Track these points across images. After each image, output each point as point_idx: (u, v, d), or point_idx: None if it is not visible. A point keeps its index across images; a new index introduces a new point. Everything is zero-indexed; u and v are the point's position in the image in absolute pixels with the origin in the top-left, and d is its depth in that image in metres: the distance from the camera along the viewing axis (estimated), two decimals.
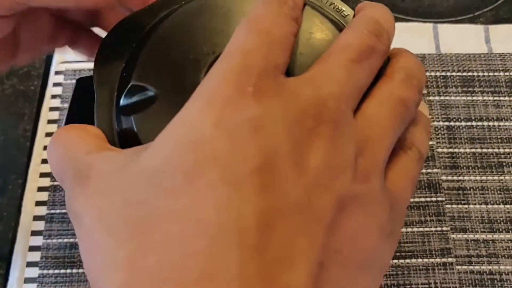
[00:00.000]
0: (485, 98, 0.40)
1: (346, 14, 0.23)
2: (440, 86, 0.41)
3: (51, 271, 0.34)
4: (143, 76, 0.21)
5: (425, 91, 0.40)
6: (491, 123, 0.39)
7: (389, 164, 0.20)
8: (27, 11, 0.23)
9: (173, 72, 0.21)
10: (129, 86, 0.21)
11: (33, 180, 0.37)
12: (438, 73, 0.41)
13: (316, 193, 0.16)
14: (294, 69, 0.20)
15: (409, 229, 0.35)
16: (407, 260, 0.34)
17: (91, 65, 0.27)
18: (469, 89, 0.40)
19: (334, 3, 0.23)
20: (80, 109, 0.23)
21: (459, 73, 0.41)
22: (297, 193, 0.15)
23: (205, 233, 0.14)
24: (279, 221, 0.15)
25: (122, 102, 0.21)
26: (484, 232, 0.35)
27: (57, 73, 0.41)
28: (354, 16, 0.23)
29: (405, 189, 0.20)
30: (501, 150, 0.38)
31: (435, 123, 0.39)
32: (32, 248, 0.35)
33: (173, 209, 0.15)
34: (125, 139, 0.21)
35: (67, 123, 0.23)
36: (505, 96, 0.40)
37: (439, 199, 0.36)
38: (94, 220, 0.16)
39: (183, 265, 0.14)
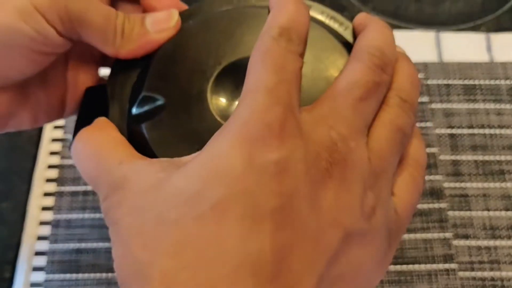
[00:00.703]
0: (487, 106, 0.40)
1: (346, 27, 0.24)
2: (442, 94, 0.41)
3: (56, 276, 0.34)
4: (153, 87, 0.22)
5: (427, 99, 0.41)
6: (492, 131, 0.39)
7: (394, 189, 0.21)
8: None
9: (181, 82, 0.22)
10: (140, 97, 0.22)
11: (39, 186, 0.38)
12: (440, 81, 0.41)
13: (326, 230, 0.17)
14: None
15: (412, 236, 0.36)
16: (410, 266, 0.35)
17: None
18: (471, 97, 0.41)
19: (334, 17, 0.24)
20: (89, 117, 0.24)
21: (461, 81, 0.41)
22: (310, 230, 0.17)
23: (229, 261, 0.16)
24: (290, 254, 0.17)
25: (133, 111, 0.22)
26: (486, 238, 0.36)
27: None
28: (353, 29, 0.23)
29: (408, 211, 0.21)
30: (503, 158, 0.38)
31: (438, 130, 0.39)
32: (38, 253, 0.35)
33: (202, 236, 0.16)
34: (137, 146, 0.21)
35: (76, 131, 0.23)
36: (506, 104, 0.40)
37: (442, 205, 0.37)
38: (130, 232, 0.18)
39: (209, 285, 0.16)
